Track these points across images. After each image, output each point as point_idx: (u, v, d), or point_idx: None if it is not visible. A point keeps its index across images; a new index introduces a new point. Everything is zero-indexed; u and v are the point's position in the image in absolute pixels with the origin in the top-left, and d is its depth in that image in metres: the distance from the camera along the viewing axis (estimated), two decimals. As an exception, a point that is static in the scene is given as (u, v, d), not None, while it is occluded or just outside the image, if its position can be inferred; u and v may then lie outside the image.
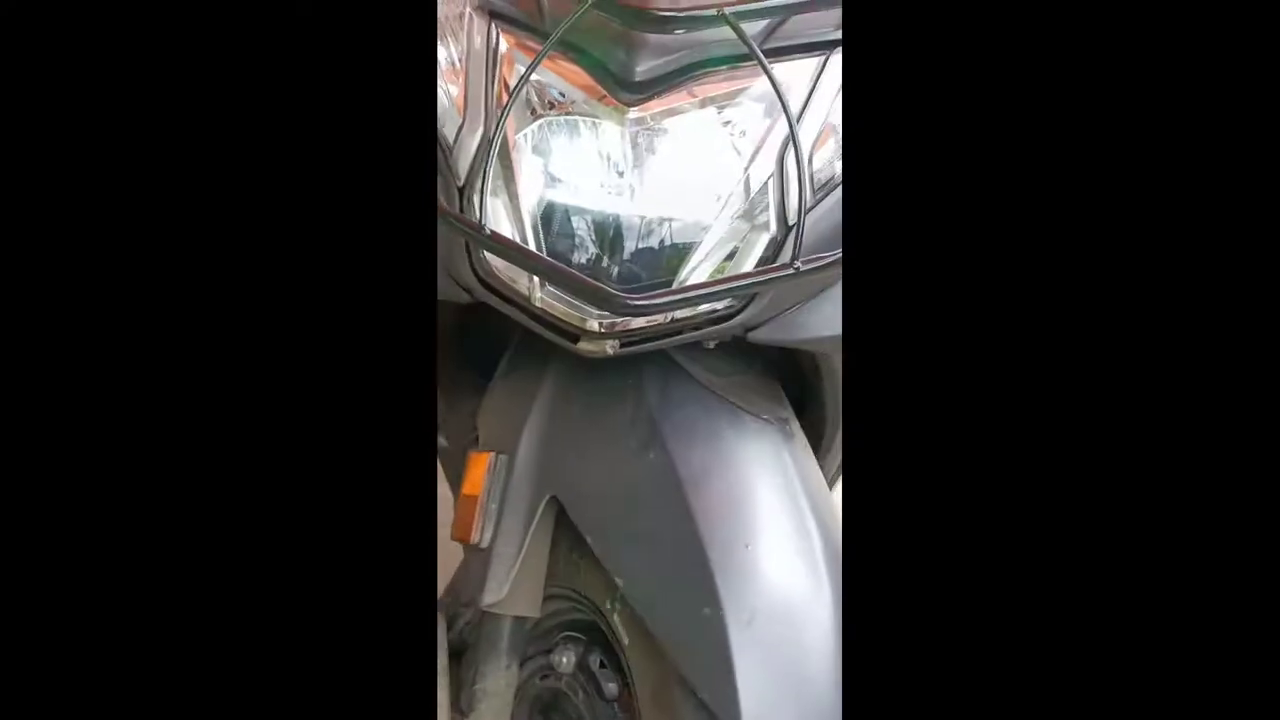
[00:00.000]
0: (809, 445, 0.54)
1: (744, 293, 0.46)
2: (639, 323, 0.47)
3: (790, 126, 0.44)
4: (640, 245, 0.47)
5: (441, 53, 0.52)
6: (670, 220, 0.47)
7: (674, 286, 0.45)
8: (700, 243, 0.46)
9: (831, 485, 0.64)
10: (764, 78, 0.45)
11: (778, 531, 0.47)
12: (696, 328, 0.48)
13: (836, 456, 0.61)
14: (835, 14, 0.48)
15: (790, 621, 0.45)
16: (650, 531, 0.46)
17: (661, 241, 0.48)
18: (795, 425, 0.54)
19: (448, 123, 0.50)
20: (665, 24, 0.44)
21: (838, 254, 0.45)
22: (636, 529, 0.47)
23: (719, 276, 0.46)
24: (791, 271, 0.44)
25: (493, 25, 0.50)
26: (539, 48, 0.46)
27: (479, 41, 0.50)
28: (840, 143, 0.48)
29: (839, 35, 0.49)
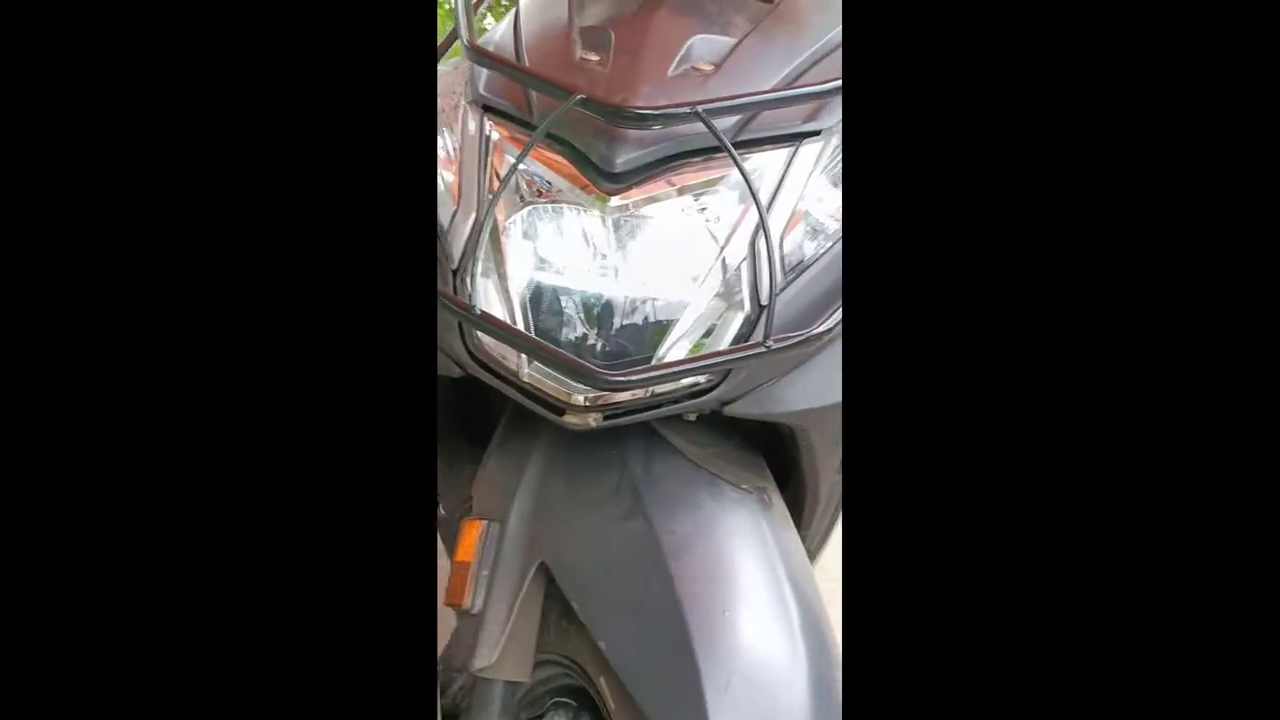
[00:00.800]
0: (788, 515, 0.56)
1: (719, 369, 0.48)
2: (622, 397, 0.49)
3: (760, 214, 0.47)
4: (624, 322, 0.50)
5: (439, 142, 0.56)
6: (651, 299, 0.50)
7: (653, 363, 0.47)
8: (678, 320, 0.49)
9: (815, 556, 0.65)
10: (770, 153, 0.48)
11: (755, 599, 0.48)
12: (676, 401, 0.50)
13: (820, 525, 0.63)
14: (805, 108, 0.52)
15: (766, 687, 0.46)
16: (632, 598, 0.48)
17: (644, 319, 0.51)
18: (774, 495, 0.56)
19: (443, 208, 0.53)
20: (643, 120, 0.47)
21: (807, 332, 0.48)
22: (619, 596, 0.48)
23: (696, 354, 0.49)
24: (763, 350, 0.46)
25: (485, 118, 0.54)
26: (527, 139, 0.50)
27: (473, 131, 0.54)
28: (806, 229, 0.51)
29: (809, 127, 0.52)
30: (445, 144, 0.57)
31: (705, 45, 0.55)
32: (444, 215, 0.53)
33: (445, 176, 0.55)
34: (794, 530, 0.56)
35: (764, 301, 0.49)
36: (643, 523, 0.49)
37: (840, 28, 0.59)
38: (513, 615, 0.53)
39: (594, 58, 0.55)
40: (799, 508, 0.60)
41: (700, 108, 0.47)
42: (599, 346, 0.50)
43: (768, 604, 0.48)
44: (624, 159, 0.49)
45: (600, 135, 0.49)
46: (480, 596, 0.53)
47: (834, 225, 0.52)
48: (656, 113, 0.47)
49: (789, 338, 0.47)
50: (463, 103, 0.56)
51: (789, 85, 0.54)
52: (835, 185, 0.53)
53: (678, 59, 0.53)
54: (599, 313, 0.50)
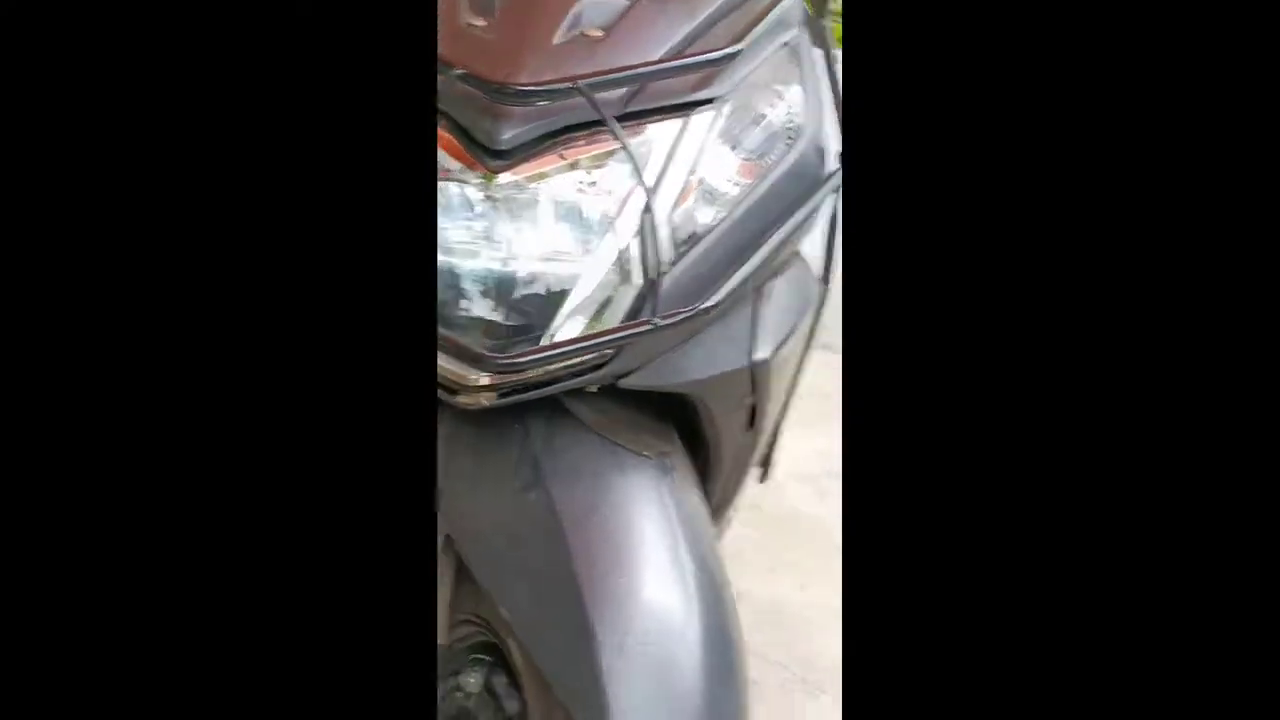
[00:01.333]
0: (692, 477, 0.58)
1: (610, 346, 0.49)
2: (516, 375, 0.50)
3: (645, 190, 0.47)
4: (525, 293, 0.51)
5: None
6: (545, 273, 0.50)
7: (542, 343, 0.48)
8: (571, 293, 0.50)
9: (720, 514, 0.68)
10: (629, 133, 0.48)
11: (651, 563, 0.51)
12: (572, 376, 0.51)
13: (727, 485, 0.65)
14: (694, 77, 0.51)
15: (661, 645, 0.49)
16: (530, 568, 0.50)
17: (546, 289, 0.51)
18: (678, 459, 0.58)
19: None
20: (526, 97, 0.47)
21: (694, 309, 0.49)
22: (519, 566, 0.50)
23: (591, 330, 0.50)
24: (650, 327, 0.47)
25: None
26: None
27: None
28: (700, 197, 0.52)
29: (701, 95, 0.52)
30: None
31: (595, 10, 0.54)
32: None
33: None
34: (696, 492, 0.58)
35: (659, 275, 0.49)
36: (542, 494, 0.51)
37: None
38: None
39: (480, 23, 0.53)
40: (705, 470, 0.62)
41: (583, 83, 0.46)
42: (502, 319, 0.50)
43: (663, 567, 0.51)
44: (509, 135, 0.48)
45: (485, 112, 0.48)
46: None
47: (732, 189, 0.53)
48: (540, 89, 0.46)
49: (676, 314, 0.48)
50: None
51: (680, 54, 0.53)
52: (733, 149, 0.53)
53: (565, 25, 0.52)
54: (497, 288, 0.50)
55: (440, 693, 0.61)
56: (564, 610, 0.48)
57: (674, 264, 0.50)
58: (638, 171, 0.47)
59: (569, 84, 0.46)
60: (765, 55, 0.56)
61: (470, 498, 0.53)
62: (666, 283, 0.48)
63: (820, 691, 1.20)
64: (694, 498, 0.57)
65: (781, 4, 0.58)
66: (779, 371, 0.61)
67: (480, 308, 0.50)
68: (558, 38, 0.51)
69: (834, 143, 0.62)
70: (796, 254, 0.65)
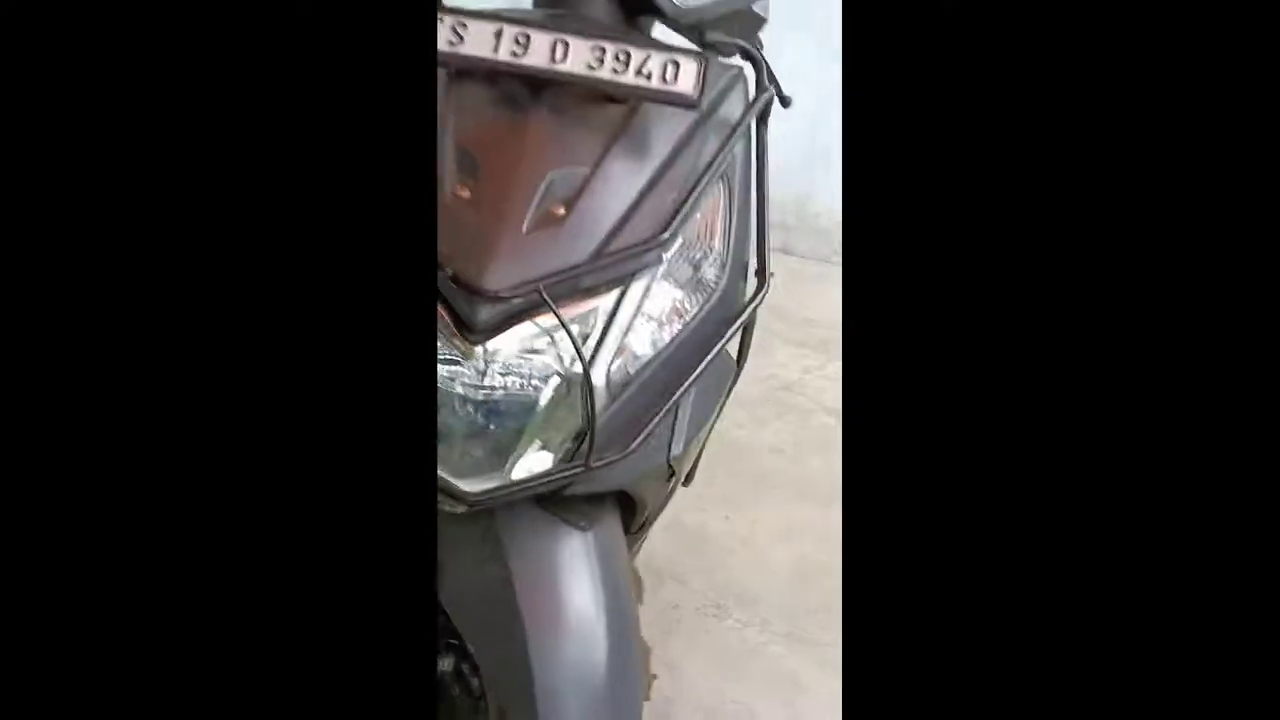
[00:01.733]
0: (615, 530, 0.77)
1: (553, 483, 0.65)
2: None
3: (582, 362, 0.62)
4: (505, 408, 0.66)
5: None
6: (507, 414, 0.65)
7: (503, 484, 0.64)
8: (525, 433, 0.65)
9: (647, 527, 0.88)
10: (577, 307, 0.62)
11: (577, 613, 0.70)
12: (526, 492, 0.67)
13: (646, 526, 0.84)
14: (645, 232, 0.64)
15: (580, 666, 0.69)
16: (491, 622, 0.69)
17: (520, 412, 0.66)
18: (607, 518, 0.76)
19: None
20: (496, 300, 0.60)
21: (623, 455, 0.65)
22: (481, 619, 0.69)
23: (538, 473, 0.65)
24: (582, 469, 0.63)
25: None
26: None
27: None
28: (629, 359, 0.66)
29: (635, 268, 0.65)
30: None
31: (562, 182, 0.65)
32: None
33: None
34: (620, 541, 0.77)
35: (590, 427, 0.64)
36: (501, 567, 0.69)
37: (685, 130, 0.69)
38: None
39: (465, 194, 0.64)
40: (633, 514, 0.81)
41: (542, 285, 0.59)
42: (490, 428, 0.66)
43: (586, 616, 0.70)
44: (485, 316, 0.61)
45: (465, 298, 0.61)
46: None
47: (649, 353, 0.67)
48: (505, 294, 0.59)
49: (603, 459, 0.64)
50: None
51: (625, 219, 0.65)
52: (650, 320, 0.67)
53: (535, 203, 0.64)
54: (484, 412, 0.65)
55: None
56: (515, 655, 0.68)
57: (606, 410, 0.65)
58: (576, 347, 0.61)
59: (533, 288, 0.59)
60: (703, 200, 0.69)
61: (447, 562, 0.71)
62: (600, 428, 0.64)
63: (726, 615, 1.46)
64: (617, 553, 0.76)
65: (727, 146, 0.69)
66: (690, 451, 0.78)
67: (467, 425, 0.65)
68: (527, 221, 0.63)
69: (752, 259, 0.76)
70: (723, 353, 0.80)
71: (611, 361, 0.65)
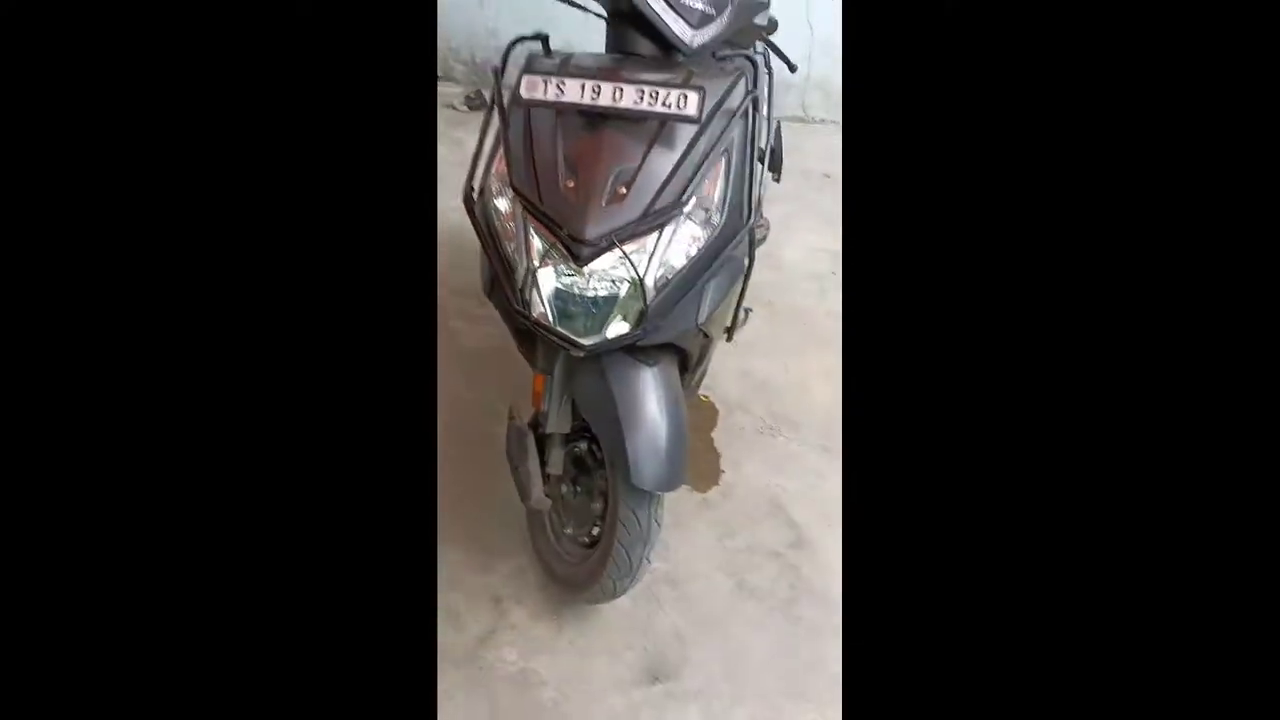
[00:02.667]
0: (670, 367, 1.34)
1: (627, 339, 1.22)
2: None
3: (637, 274, 1.18)
4: (594, 310, 1.23)
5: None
6: (602, 302, 1.23)
7: (600, 339, 1.22)
8: (614, 309, 1.22)
9: (700, 371, 1.46)
10: (636, 244, 1.18)
11: (644, 399, 1.29)
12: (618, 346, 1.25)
13: (700, 359, 1.42)
14: (675, 193, 1.18)
15: (653, 432, 1.28)
16: (602, 410, 1.29)
17: (608, 302, 1.24)
18: (663, 360, 1.33)
19: (519, 262, 1.23)
20: (589, 244, 1.16)
21: (664, 322, 1.21)
22: (597, 408, 1.30)
23: (619, 334, 1.22)
24: (641, 333, 1.20)
25: (517, 199, 1.22)
26: (541, 218, 1.19)
27: (512, 210, 1.23)
28: (669, 267, 1.21)
29: (666, 219, 1.19)
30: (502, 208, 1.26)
31: (623, 174, 1.19)
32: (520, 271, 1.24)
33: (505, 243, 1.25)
34: (674, 373, 1.35)
35: (644, 310, 1.21)
36: (605, 384, 1.29)
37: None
38: (560, 408, 1.36)
39: (570, 184, 1.20)
40: (685, 359, 1.39)
41: (614, 237, 1.15)
42: (593, 310, 1.24)
43: (650, 402, 1.29)
44: (585, 254, 1.18)
45: (574, 244, 1.18)
46: (546, 403, 1.36)
47: (677, 265, 1.21)
48: (595, 240, 1.15)
49: (654, 326, 1.21)
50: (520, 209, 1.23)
51: (660, 191, 1.19)
52: (678, 247, 1.21)
53: (608, 188, 1.18)
54: (590, 302, 1.23)
55: (564, 449, 1.45)
56: (613, 422, 1.28)
57: (654, 299, 1.21)
58: (634, 269, 1.17)
59: (610, 238, 1.15)
60: (709, 172, 1.21)
61: (575, 377, 1.32)
62: (651, 310, 1.20)
63: (777, 434, 2.04)
64: (672, 380, 1.34)
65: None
66: (716, 318, 1.34)
67: (575, 308, 1.24)
68: (604, 200, 1.18)
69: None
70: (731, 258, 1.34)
71: (657, 272, 1.21)
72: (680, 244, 1.22)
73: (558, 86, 1.19)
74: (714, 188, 1.25)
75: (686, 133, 1.22)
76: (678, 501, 1.78)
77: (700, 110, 1.16)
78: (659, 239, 1.20)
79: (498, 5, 3.94)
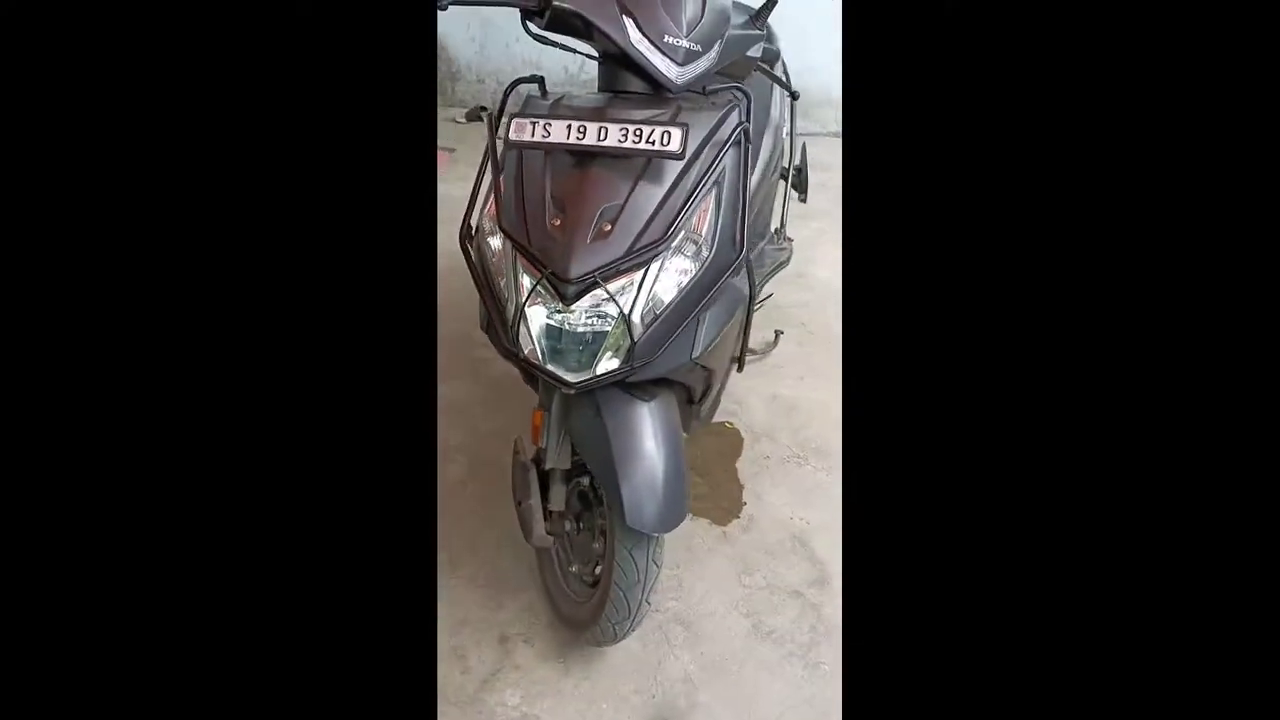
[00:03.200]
0: (669, 401, 1.30)
1: (616, 376, 1.19)
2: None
3: (625, 318, 1.15)
4: (581, 347, 1.21)
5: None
6: (590, 339, 1.20)
7: (590, 376, 1.19)
8: (603, 346, 1.19)
9: (704, 419, 1.42)
10: (622, 280, 1.15)
11: (640, 441, 1.25)
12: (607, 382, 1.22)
13: (706, 394, 1.38)
14: (659, 233, 1.15)
15: (648, 470, 1.25)
16: (595, 450, 1.26)
17: (597, 339, 1.21)
18: (660, 394, 1.30)
19: (509, 300, 1.22)
20: (574, 283, 1.13)
21: (652, 359, 1.17)
22: (591, 447, 1.27)
23: (608, 371, 1.19)
24: (628, 369, 1.17)
25: (507, 240, 1.20)
26: (532, 257, 1.16)
27: (503, 248, 1.21)
28: (653, 303, 1.18)
29: (651, 256, 1.15)
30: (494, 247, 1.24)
31: (609, 211, 1.16)
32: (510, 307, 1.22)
33: (498, 278, 1.23)
34: (672, 408, 1.31)
35: (632, 346, 1.17)
36: (600, 420, 1.26)
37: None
38: (559, 444, 1.33)
39: (556, 223, 1.18)
40: (687, 393, 1.35)
41: (598, 274, 1.12)
42: (581, 346, 1.22)
43: (646, 442, 1.26)
44: (570, 291, 1.15)
45: (559, 282, 1.16)
46: (544, 439, 1.34)
47: (665, 301, 1.18)
48: (579, 279, 1.13)
49: (641, 363, 1.17)
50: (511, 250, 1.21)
51: (646, 227, 1.16)
52: (666, 282, 1.18)
53: (593, 225, 1.16)
54: (578, 338, 1.21)
55: (566, 486, 1.42)
56: (606, 464, 1.24)
57: (642, 335, 1.17)
58: (619, 307, 1.14)
59: (594, 276, 1.12)
60: (697, 205, 1.18)
61: (572, 414, 1.29)
62: (639, 346, 1.16)
63: (804, 462, 1.96)
64: (670, 414, 1.30)
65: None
66: (716, 350, 1.29)
67: (563, 346, 1.21)
68: (589, 237, 1.15)
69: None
70: (730, 285, 1.29)
71: (644, 308, 1.18)
72: (668, 279, 1.19)
73: (544, 128, 1.18)
74: (704, 221, 1.21)
75: (674, 168, 1.18)
76: (695, 535, 1.74)
77: (684, 146, 1.13)
78: (645, 274, 1.17)
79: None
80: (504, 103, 1.35)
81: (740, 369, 1.53)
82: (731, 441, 2.01)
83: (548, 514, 1.40)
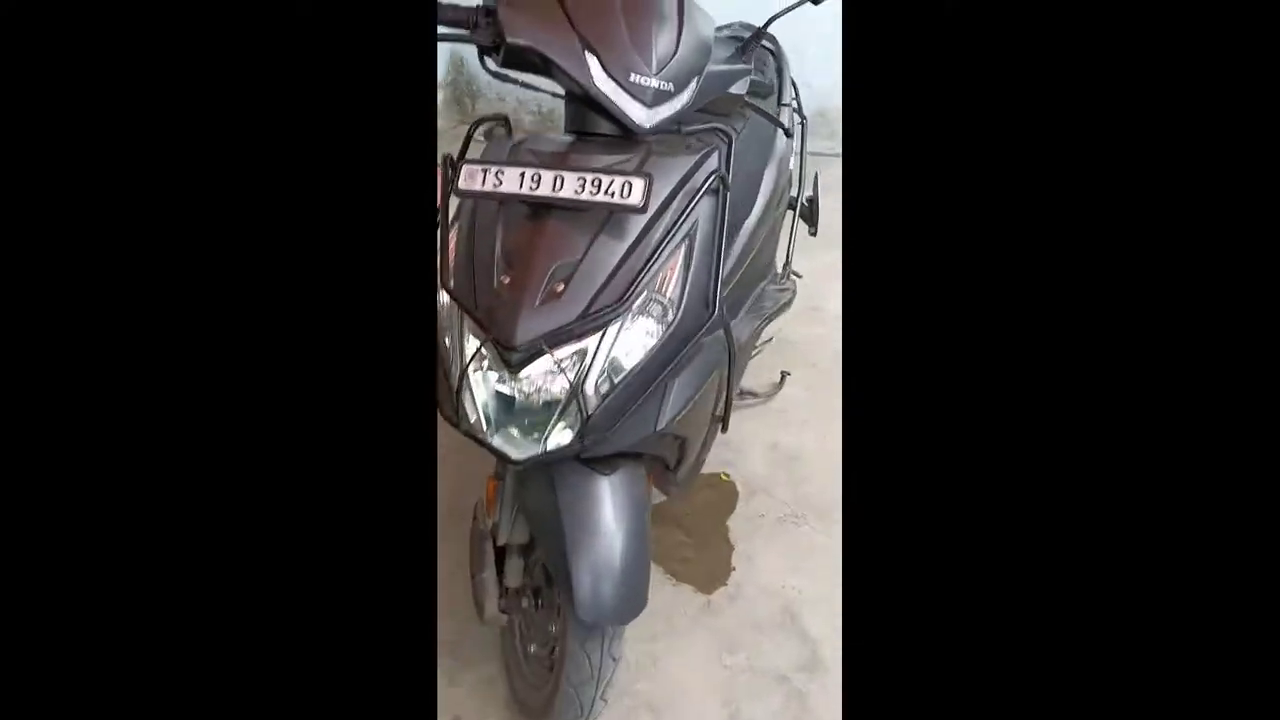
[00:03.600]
0: (633, 473, 1.17)
1: (565, 453, 1.06)
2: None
3: (574, 387, 1.02)
4: (529, 419, 1.08)
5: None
6: (539, 410, 1.07)
7: (539, 452, 1.06)
8: (554, 417, 1.07)
9: (686, 481, 1.28)
10: (573, 346, 1.02)
11: (597, 519, 1.12)
12: (555, 456, 1.09)
13: (688, 470, 1.24)
14: (618, 291, 1.01)
15: (604, 549, 1.11)
16: (547, 528, 1.14)
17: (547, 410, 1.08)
18: (625, 468, 1.16)
19: (454, 364, 1.10)
20: (518, 352, 1.01)
21: (606, 434, 1.04)
22: (543, 525, 1.15)
23: (558, 447, 1.06)
24: (581, 448, 1.04)
25: (453, 302, 1.08)
26: (478, 319, 1.04)
27: (449, 304, 1.09)
28: (611, 369, 1.05)
29: (608, 320, 1.02)
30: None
31: (562, 269, 1.04)
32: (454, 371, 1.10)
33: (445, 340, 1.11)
34: (637, 479, 1.18)
35: (585, 420, 1.04)
36: (553, 496, 1.13)
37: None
38: (512, 517, 1.21)
39: (505, 280, 1.06)
40: (667, 461, 1.22)
41: (544, 342, 1.00)
42: (528, 420, 1.09)
43: (606, 525, 1.13)
44: (516, 359, 1.03)
45: (504, 350, 1.03)
46: (498, 511, 1.22)
47: (625, 369, 1.05)
48: (525, 351, 1.00)
49: (595, 439, 1.04)
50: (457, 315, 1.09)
51: (603, 288, 1.03)
52: (625, 348, 1.04)
53: (544, 285, 1.03)
54: (525, 410, 1.09)
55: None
56: (559, 547, 1.12)
57: (599, 407, 1.04)
58: (571, 384, 1.01)
59: (540, 343, 0.99)
60: (664, 262, 1.04)
61: (526, 487, 1.17)
62: (594, 420, 1.03)
63: (802, 522, 1.81)
64: (632, 488, 1.16)
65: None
66: (690, 416, 1.16)
67: (505, 415, 1.09)
68: (538, 300, 1.03)
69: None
70: (705, 344, 1.16)
71: (599, 378, 1.05)
72: (629, 344, 1.05)
73: (496, 176, 1.06)
74: (670, 279, 1.08)
75: (639, 221, 1.05)
76: (677, 605, 1.60)
77: (645, 198, 1.00)
78: (601, 340, 1.04)
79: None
80: (465, 145, 1.23)
81: (724, 429, 1.39)
82: (725, 496, 1.87)
83: (504, 590, 1.27)
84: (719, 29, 1.84)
